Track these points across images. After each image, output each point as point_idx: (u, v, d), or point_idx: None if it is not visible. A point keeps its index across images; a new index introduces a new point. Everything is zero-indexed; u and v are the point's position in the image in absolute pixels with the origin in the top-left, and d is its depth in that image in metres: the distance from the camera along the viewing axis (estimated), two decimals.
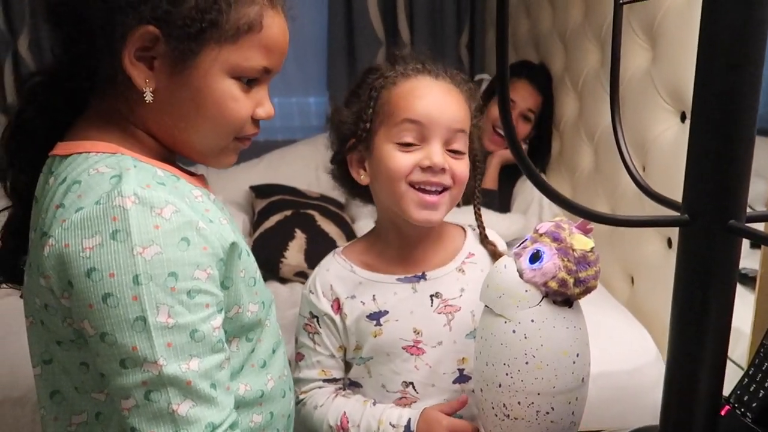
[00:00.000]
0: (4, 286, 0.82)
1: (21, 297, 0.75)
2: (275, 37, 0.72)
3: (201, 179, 0.79)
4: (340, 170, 0.96)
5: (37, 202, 0.72)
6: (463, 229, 1.01)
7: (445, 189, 0.88)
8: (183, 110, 0.70)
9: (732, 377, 0.72)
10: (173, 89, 0.69)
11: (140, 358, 0.62)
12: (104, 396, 0.70)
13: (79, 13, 0.67)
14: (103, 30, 0.65)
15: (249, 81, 0.72)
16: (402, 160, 0.87)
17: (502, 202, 1.93)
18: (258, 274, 0.79)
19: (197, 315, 0.65)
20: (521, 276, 0.75)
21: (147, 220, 0.62)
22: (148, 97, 0.68)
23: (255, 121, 0.76)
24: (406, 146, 0.87)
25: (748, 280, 1.08)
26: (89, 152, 0.68)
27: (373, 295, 0.92)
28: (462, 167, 0.89)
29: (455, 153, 0.89)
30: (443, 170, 0.87)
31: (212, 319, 0.67)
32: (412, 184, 0.87)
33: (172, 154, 0.76)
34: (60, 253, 0.63)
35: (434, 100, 0.88)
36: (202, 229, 0.66)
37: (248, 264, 0.75)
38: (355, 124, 0.90)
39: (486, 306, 0.78)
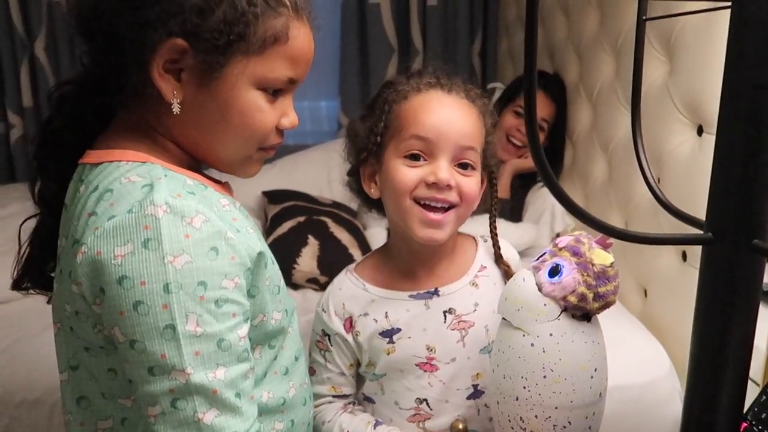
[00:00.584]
0: (31, 291, 0.83)
1: (48, 303, 0.76)
2: (301, 48, 0.73)
3: (226, 187, 0.79)
4: (356, 182, 0.96)
5: (67, 210, 0.73)
6: (475, 240, 1.00)
7: (451, 206, 0.87)
8: (210, 121, 0.71)
9: (749, 394, 0.71)
10: (200, 100, 0.70)
11: (168, 366, 0.63)
12: (131, 402, 0.70)
13: (110, 27, 0.68)
14: (133, 43, 0.67)
15: (274, 91, 0.73)
16: (407, 175, 0.86)
17: (513, 211, 1.93)
18: (282, 282, 0.80)
19: (224, 324, 0.65)
20: (540, 290, 0.75)
21: (178, 230, 0.63)
22: (176, 108, 0.69)
23: (279, 131, 0.76)
24: (412, 161, 0.86)
25: (764, 296, 1.08)
26: (120, 161, 0.70)
27: (386, 313, 0.92)
28: (471, 184, 0.88)
29: (464, 169, 0.87)
30: (449, 187, 0.85)
31: (238, 328, 0.67)
32: (417, 200, 0.86)
33: (198, 163, 0.77)
34: (92, 260, 0.64)
35: (443, 114, 0.87)
36: (231, 239, 0.67)
37: (273, 272, 0.76)
38: (368, 137, 0.90)
39: (504, 319, 0.78)
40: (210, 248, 0.65)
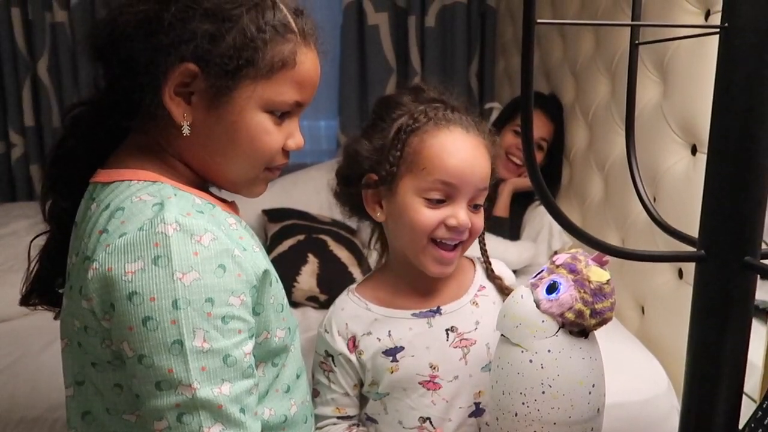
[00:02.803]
0: (39, 307, 0.84)
1: (55, 319, 0.77)
2: (308, 72, 0.75)
3: (233, 206, 0.81)
4: (346, 192, 0.97)
5: (78, 227, 0.74)
6: (473, 261, 1.02)
7: (461, 242, 0.90)
8: (218, 143, 0.73)
9: (746, 410, 0.72)
10: (209, 123, 0.72)
11: (175, 381, 0.64)
12: (135, 417, 0.71)
13: (124, 53, 0.70)
14: (146, 68, 0.69)
15: (281, 114, 0.75)
16: (429, 218, 0.87)
17: (512, 229, 1.95)
18: (285, 300, 0.81)
19: (230, 340, 0.67)
20: (538, 306, 0.76)
21: (187, 247, 0.65)
22: (186, 130, 0.71)
23: (285, 152, 0.78)
24: (434, 203, 0.87)
25: (761, 313, 1.09)
26: (131, 180, 0.71)
27: (389, 331, 0.93)
28: (479, 221, 0.91)
29: (476, 208, 0.90)
30: (466, 228, 0.88)
31: (244, 344, 0.68)
32: (433, 239, 0.88)
33: (206, 183, 0.79)
34: (103, 276, 0.65)
35: (466, 159, 0.87)
36: (237, 257, 0.68)
37: (277, 290, 0.77)
38: (378, 162, 0.90)
39: (502, 335, 0.79)
40: (218, 266, 0.66)
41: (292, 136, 0.77)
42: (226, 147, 0.73)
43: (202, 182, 0.78)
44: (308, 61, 0.75)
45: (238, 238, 0.72)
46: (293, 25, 0.73)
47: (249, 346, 0.69)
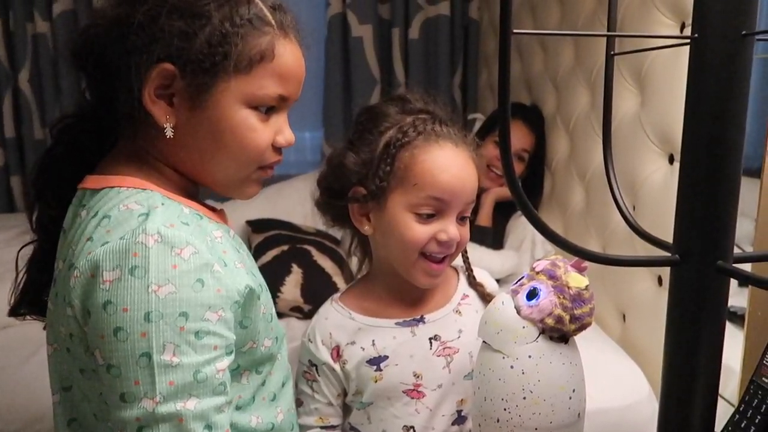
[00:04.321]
0: (28, 318, 0.83)
1: (44, 329, 0.76)
2: (288, 64, 0.73)
3: (221, 215, 0.80)
4: (330, 204, 0.96)
5: (66, 234, 0.74)
6: (456, 270, 1.02)
7: (449, 254, 0.91)
8: (203, 143, 0.72)
9: (723, 414, 0.74)
10: (193, 123, 0.71)
11: (140, 394, 0.63)
12: None
13: (99, 56, 0.70)
14: (123, 72, 0.68)
15: (267, 110, 0.74)
16: (421, 233, 0.87)
17: (495, 238, 1.96)
18: (273, 309, 0.80)
19: (203, 356, 0.65)
20: (519, 312, 0.77)
21: (166, 259, 0.64)
22: (169, 132, 0.70)
23: (276, 149, 0.77)
24: (425, 219, 0.88)
25: (737, 318, 1.10)
26: (120, 186, 0.71)
27: (373, 340, 0.93)
28: (467, 233, 0.92)
29: (463, 219, 0.91)
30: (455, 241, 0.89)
31: (218, 361, 0.67)
32: (423, 253, 0.89)
33: (197, 187, 0.78)
34: (84, 283, 0.65)
35: (458, 174, 0.88)
36: (217, 272, 0.67)
37: (267, 301, 0.77)
38: (366, 176, 0.89)
39: (484, 342, 0.80)
40: (196, 280, 0.65)
41: (281, 131, 0.76)
42: (211, 146, 0.72)
43: (192, 186, 0.77)
44: (288, 53, 0.73)
45: (221, 252, 0.71)
46: (270, 17, 0.72)
47: (224, 362, 0.68)
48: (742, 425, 0.79)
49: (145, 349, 0.62)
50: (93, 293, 0.64)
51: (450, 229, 0.88)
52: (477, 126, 2.24)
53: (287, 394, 0.83)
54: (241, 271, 0.72)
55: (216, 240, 0.72)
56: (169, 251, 0.64)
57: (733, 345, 1.05)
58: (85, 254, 0.66)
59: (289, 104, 0.77)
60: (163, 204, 0.69)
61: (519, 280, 0.81)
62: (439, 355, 0.93)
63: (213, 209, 0.79)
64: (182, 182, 0.76)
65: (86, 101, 0.76)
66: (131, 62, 0.68)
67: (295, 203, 2.35)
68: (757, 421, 0.78)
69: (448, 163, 0.88)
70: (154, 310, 0.63)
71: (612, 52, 0.73)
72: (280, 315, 1.70)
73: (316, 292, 1.64)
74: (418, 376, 0.92)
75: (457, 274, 1.01)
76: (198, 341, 0.65)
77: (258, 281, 0.75)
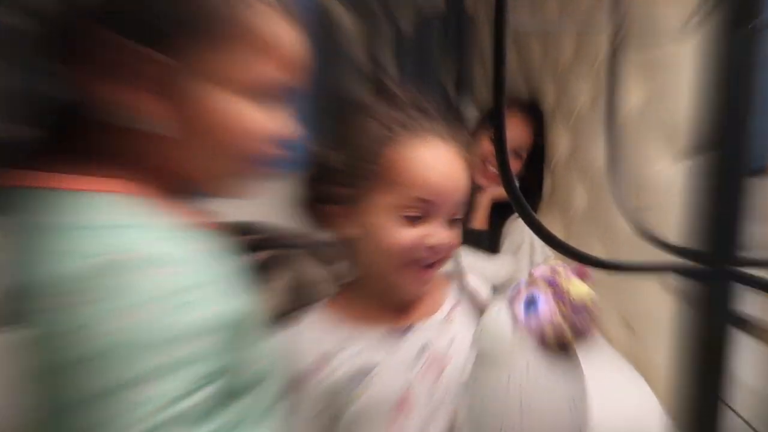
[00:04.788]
0: None
1: None
2: (281, 44, 0.68)
3: (210, 221, 0.75)
4: (311, 205, 0.93)
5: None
6: (447, 276, 0.98)
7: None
8: (189, 137, 0.67)
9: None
10: (176, 116, 0.65)
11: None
12: None
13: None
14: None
15: (259, 96, 0.68)
16: (407, 238, 0.83)
17: (491, 242, 1.90)
18: (262, 327, 0.75)
19: (184, 386, 0.59)
20: (515, 322, 0.72)
21: (143, 281, 0.58)
22: (150, 127, 0.64)
23: (273, 140, 0.72)
24: (411, 221, 0.83)
25: (762, 332, 1.06)
26: (103, 191, 0.64)
27: (361, 349, 0.89)
28: (457, 236, 0.87)
29: (453, 222, 0.86)
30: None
31: (201, 390, 0.61)
32: (409, 259, 0.84)
33: (187, 185, 0.72)
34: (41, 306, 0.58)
35: (446, 173, 0.84)
36: (200, 295, 0.61)
37: (255, 320, 0.72)
38: (349, 176, 0.85)
39: (478, 352, 0.76)
40: (179, 302, 0.59)
41: (276, 120, 0.70)
42: (198, 141, 0.67)
43: (181, 186, 0.71)
44: (280, 31, 0.68)
45: (205, 269, 0.65)
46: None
47: (207, 390, 0.62)
48: None
49: (119, 380, 0.56)
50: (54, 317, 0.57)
51: (439, 232, 0.83)
52: (473, 122, 2.19)
53: (278, 414, 0.78)
54: (227, 292, 0.66)
55: (200, 255, 0.66)
56: (149, 269, 0.58)
57: (742, 353, 1.01)
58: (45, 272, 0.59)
59: (287, 92, 0.72)
60: (146, 215, 0.63)
61: (516, 286, 0.77)
62: (429, 365, 0.88)
63: (203, 216, 0.74)
64: (170, 184, 0.69)
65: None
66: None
67: (280, 205, 2.31)
68: None
69: (437, 162, 0.83)
70: (128, 337, 0.56)
71: (617, 46, 0.68)
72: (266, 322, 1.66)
73: (302, 298, 1.59)
74: (407, 386, 0.88)
75: (449, 280, 0.97)
76: (178, 371, 0.58)
77: (246, 300, 0.69)
